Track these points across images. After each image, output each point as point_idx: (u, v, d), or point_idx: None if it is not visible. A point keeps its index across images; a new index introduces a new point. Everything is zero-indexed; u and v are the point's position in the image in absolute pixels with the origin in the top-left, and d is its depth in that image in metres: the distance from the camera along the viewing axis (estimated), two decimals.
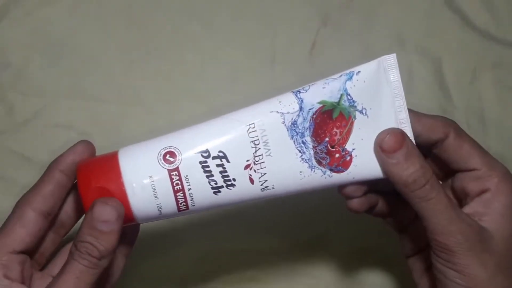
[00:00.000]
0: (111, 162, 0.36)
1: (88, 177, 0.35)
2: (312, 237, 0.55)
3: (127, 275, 0.52)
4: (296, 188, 0.38)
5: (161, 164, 0.36)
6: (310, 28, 0.58)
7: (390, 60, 0.38)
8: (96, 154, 0.39)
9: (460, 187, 0.39)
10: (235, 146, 0.37)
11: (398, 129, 0.37)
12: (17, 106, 0.54)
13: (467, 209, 0.37)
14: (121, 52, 0.56)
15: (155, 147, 0.36)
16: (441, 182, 0.38)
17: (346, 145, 0.37)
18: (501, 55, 0.58)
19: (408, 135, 0.37)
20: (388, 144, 0.35)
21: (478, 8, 0.58)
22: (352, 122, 0.37)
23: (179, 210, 0.36)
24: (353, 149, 0.37)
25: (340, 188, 0.39)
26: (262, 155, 0.37)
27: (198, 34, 0.57)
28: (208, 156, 0.36)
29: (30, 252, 0.36)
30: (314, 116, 0.37)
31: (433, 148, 0.39)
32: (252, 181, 0.37)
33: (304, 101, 0.37)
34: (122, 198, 0.35)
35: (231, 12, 0.57)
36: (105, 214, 0.33)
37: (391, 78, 0.38)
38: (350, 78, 0.38)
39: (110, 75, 0.56)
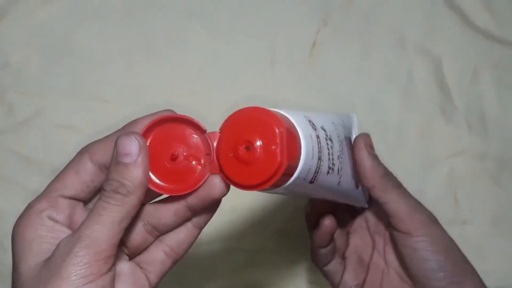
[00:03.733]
0: (283, 117, 0.32)
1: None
2: None
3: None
4: (345, 190, 0.39)
5: (311, 127, 0.34)
6: (310, 28, 0.58)
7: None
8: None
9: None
10: (333, 135, 0.37)
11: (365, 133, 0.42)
12: (17, 106, 0.55)
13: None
14: (121, 52, 0.56)
15: (300, 113, 0.34)
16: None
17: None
18: (501, 55, 0.58)
19: None
20: (369, 141, 0.41)
21: (478, 8, 0.58)
22: None
23: (311, 180, 0.33)
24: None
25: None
26: (342, 151, 0.38)
27: (198, 34, 0.57)
28: (327, 137, 0.35)
29: (83, 199, 0.34)
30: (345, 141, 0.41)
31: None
32: (338, 171, 0.37)
33: (344, 121, 0.42)
34: (298, 149, 0.32)
35: (231, 12, 0.57)
36: (126, 146, 0.31)
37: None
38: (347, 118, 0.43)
39: (110, 75, 0.56)
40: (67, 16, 0.56)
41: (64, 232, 0.33)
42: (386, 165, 0.56)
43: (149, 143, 0.33)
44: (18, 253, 0.32)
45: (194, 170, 0.33)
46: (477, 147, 0.56)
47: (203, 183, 0.33)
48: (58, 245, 0.31)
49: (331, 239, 0.42)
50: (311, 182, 0.33)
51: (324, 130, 0.35)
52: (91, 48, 0.56)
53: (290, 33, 0.58)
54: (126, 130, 0.33)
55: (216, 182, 0.33)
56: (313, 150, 0.33)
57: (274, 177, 0.30)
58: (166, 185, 0.33)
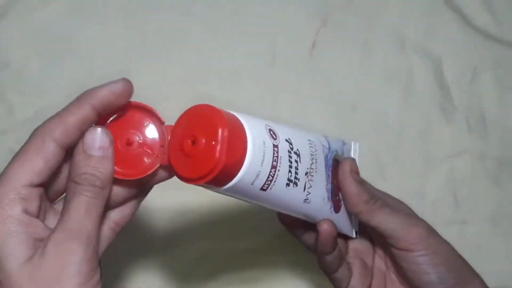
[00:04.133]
0: (232, 118, 0.33)
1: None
2: None
3: (127, 274, 0.52)
4: (317, 209, 0.39)
5: (269, 135, 0.34)
6: (310, 28, 0.58)
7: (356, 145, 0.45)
8: None
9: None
10: (304, 151, 0.37)
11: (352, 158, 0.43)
12: (17, 106, 0.55)
13: None
14: (121, 52, 0.56)
15: (260, 121, 0.35)
16: None
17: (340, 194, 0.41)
18: (501, 55, 0.58)
19: None
20: (355, 166, 0.40)
21: (478, 8, 0.58)
22: None
23: (262, 187, 0.34)
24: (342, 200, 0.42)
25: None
26: (314, 169, 0.38)
27: (198, 34, 0.57)
28: (291, 150, 0.36)
29: (45, 186, 0.33)
30: (333, 159, 0.41)
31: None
32: (304, 187, 0.37)
33: (330, 144, 0.41)
34: (242, 151, 0.33)
35: (231, 12, 0.57)
36: (98, 140, 0.32)
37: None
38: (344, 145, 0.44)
39: (110, 75, 0.55)
40: (67, 16, 0.56)
41: (38, 225, 0.32)
42: (386, 165, 0.56)
43: (108, 125, 0.34)
44: None
45: (146, 158, 0.34)
46: (476, 147, 0.56)
47: (152, 172, 0.34)
48: (47, 242, 0.31)
49: (335, 244, 0.41)
50: (262, 189, 0.34)
51: (290, 143, 0.36)
52: (91, 48, 0.56)
53: (290, 33, 0.58)
54: (81, 101, 0.33)
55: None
56: (264, 156, 0.34)
57: (212, 172, 0.31)
58: (118, 168, 0.34)
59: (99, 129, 0.32)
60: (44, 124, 0.33)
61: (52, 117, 0.33)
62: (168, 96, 0.56)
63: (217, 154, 0.31)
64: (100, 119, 0.34)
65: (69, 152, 0.33)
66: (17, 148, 0.53)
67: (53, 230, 0.32)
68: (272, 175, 0.34)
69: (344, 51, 0.58)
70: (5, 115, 0.54)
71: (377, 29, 0.58)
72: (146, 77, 0.56)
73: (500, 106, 0.57)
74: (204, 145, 0.32)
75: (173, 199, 0.53)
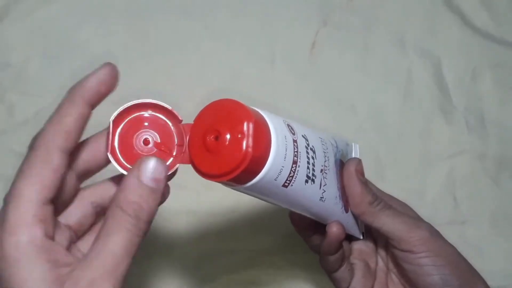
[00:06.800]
0: (255, 111, 0.32)
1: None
2: None
3: (127, 275, 0.52)
4: (330, 209, 0.39)
5: (288, 130, 0.33)
6: (310, 28, 0.58)
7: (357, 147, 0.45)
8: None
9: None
10: (318, 148, 0.36)
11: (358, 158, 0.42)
12: (17, 106, 0.54)
13: None
14: (121, 52, 0.56)
15: (278, 116, 0.34)
16: None
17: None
18: (501, 55, 0.58)
19: None
20: (360, 167, 0.40)
21: (478, 8, 0.58)
22: None
23: (284, 183, 0.33)
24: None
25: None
26: (327, 167, 0.37)
27: (198, 34, 0.57)
28: (308, 146, 0.35)
29: (54, 200, 0.30)
30: (339, 159, 0.41)
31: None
32: (320, 185, 0.37)
33: (337, 143, 0.41)
34: (267, 144, 0.31)
35: (231, 12, 0.57)
36: (159, 171, 0.30)
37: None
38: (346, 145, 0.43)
39: None
40: (67, 16, 0.56)
41: (60, 251, 0.29)
42: (386, 165, 0.56)
43: (124, 125, 0.33)
44: (17, 280, 0.27)
45: (164, 158, 0.33)
46: (476, 147, 0.56)
47: (171, 173, 0.33)
48: (78, 280, 0.28)
49: (340, 246, 0.41)
50: (284, 185, 0.33)
51: (306, 139, 0.35)
52: (91, 48, 0.56)
53: (290, 33, 0.58)
54: (73, 98, 0.31)
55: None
56: (286, 150, 0.32)
57: (239, 167, 0.30)
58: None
59: (158, 160, 0.31)
60: (43, 132, 0.30)
61: (50, 123, 0.30)
62: (168, 96, 0.56)
63: (244, 147, 0.30)
64: (116, 119, 0.33)
65: (71, 159, 0.31)
66: (17, 148, 0.53)
67: (85, 262, 0.29)
68: (294, 170, 0.33)
69: (344, 51, 0.58)
70: (5, 115, 0.54)
71: (377, 29, 0.58)
72: (146, 77, 0.56)
73: (500, 106, 0.57)
74: (229, 139, 0.30)
75: (173, 199, 0.52)
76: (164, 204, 0.49)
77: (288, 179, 0.33)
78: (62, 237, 0.31)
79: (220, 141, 0.31)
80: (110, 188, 0.34)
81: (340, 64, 0.58)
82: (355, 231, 0.43)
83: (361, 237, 0.44)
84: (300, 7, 0.58)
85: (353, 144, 0.45)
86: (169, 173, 0.32)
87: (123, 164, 0.32)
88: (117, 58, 0.56)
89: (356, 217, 0.42)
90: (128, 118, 0.33)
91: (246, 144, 0.30)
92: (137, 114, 0.34)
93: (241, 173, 0.30)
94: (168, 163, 0.33)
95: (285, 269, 0.54)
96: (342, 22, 0.58)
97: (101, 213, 0.35)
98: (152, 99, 0.34)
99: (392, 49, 0.58)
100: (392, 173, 0.56)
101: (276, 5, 0.58)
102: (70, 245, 0.32)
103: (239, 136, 0.30)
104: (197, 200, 0.53)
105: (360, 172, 0.40)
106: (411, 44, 0.58)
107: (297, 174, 0.34)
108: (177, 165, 0.33)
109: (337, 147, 0.40)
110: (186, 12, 0.57)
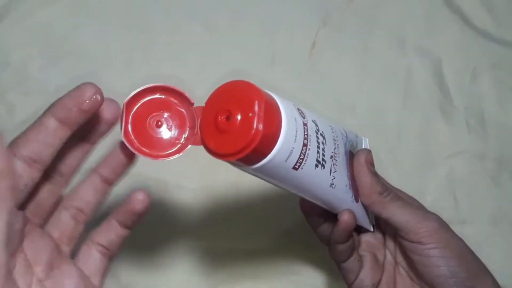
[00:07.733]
0: (266, 93, 0.32)
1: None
2: (313, 237, 0.55)
3: (127, 275, 0.52)
4: (340, 196, 0.39)
5: (299, 113, 0.34)
6: (310, 28, 0.58)
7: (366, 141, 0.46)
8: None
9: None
10: (328, 135, 0.37)
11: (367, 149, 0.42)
12: (17, 106, 0.55)
13: None
14: (121, 52, 0.56)
15: (288, 100, 0.34)
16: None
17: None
18: (501, 55, 0.58)
19: None
20: (370, 157, 0.41)
21: (478, 8, 0.58)
22: None
23: (294, 165, 0.33)
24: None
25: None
26: (337, 154, 0.38)
27: (198, 34, 0.57)
28: (318, 131, 0.35)
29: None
30: (349, 149, 0.41)
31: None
32: (330, 171, 0.37)
33: (347, 133, 0.41)
34: (278, 124, 0.32)
35: (231, 12, 0.58)
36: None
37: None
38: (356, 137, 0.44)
39: (110, 75, 0.56)
40: (67, 16, 0.56)
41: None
42: (386, 165, 0.56)
43: (137, 108, 0.34)
44: None
45: (176, 140, 0.34)
46: (476, 147, 0.56)
47: (182, 153, 0.34)
48: None
49: (351, 235, 0.41)
50: (294, 168, 0.33)
51: (316, 125, 0.35)
52: (91, 48, 0.56)
53: (290, 33, 0.58)
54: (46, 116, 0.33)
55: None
56: (296, 132, 0.33)
57: (250, 145, 0.30)
58: (146, 150, 0.34)
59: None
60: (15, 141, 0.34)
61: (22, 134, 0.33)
62: None
63: (255, 126, 0.30)
64: (129, 102, 0.34)
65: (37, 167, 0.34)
66: None
67: None
68: (304, 153, 0.33)
69: (344, 51, 0.58)
70: (5, 115, 0.54)
71: (377, 29, 0.58)
72: (146, 77, 0.56)
73: (500, 107, 0.57)
74: (240, 118, 0.31)
75: (173, 199, 0.53)
76: (162, 203, 0.49)
77: (298, 161, 0.33)
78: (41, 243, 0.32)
79: (231, 121, 0.31)
80: None
81: (340, 64, 0.58)
82: (365, 222, 0.43)
83: (372, 229, 0.44)
84: (300, 8, 0.58)
85: (362, 137, 0.45)
86: (181, 153, 0.34)
87: (138, 146, 0.34)
88: (116, 58, 0.56)
89: (366, 209, 0.42)
90: (141, 102, 0.35)
91: (257, 122, 0.30)
92: (150, 97, 0.35)
93: (251, 152, 0.30)
94: (179, 145, 0.34)
95: (285, 269, 0.54)
96: (342, 23, 0.58)
97: None
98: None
99: (392, 49, 0.58)
100: (392, 173, 0.56)
101: (276, 5, 0.58)
102: None
103: (250, 115, 0.30)
104: (197, 199, 0.53)
105: (370, 163, 0.40)
106: (411, 44, 0.58)
107: (307, 157, 0.34)
108: (188, 146, 0.34)
109: (347, 137, 0.41)
110: (186, 11, 0.57)
